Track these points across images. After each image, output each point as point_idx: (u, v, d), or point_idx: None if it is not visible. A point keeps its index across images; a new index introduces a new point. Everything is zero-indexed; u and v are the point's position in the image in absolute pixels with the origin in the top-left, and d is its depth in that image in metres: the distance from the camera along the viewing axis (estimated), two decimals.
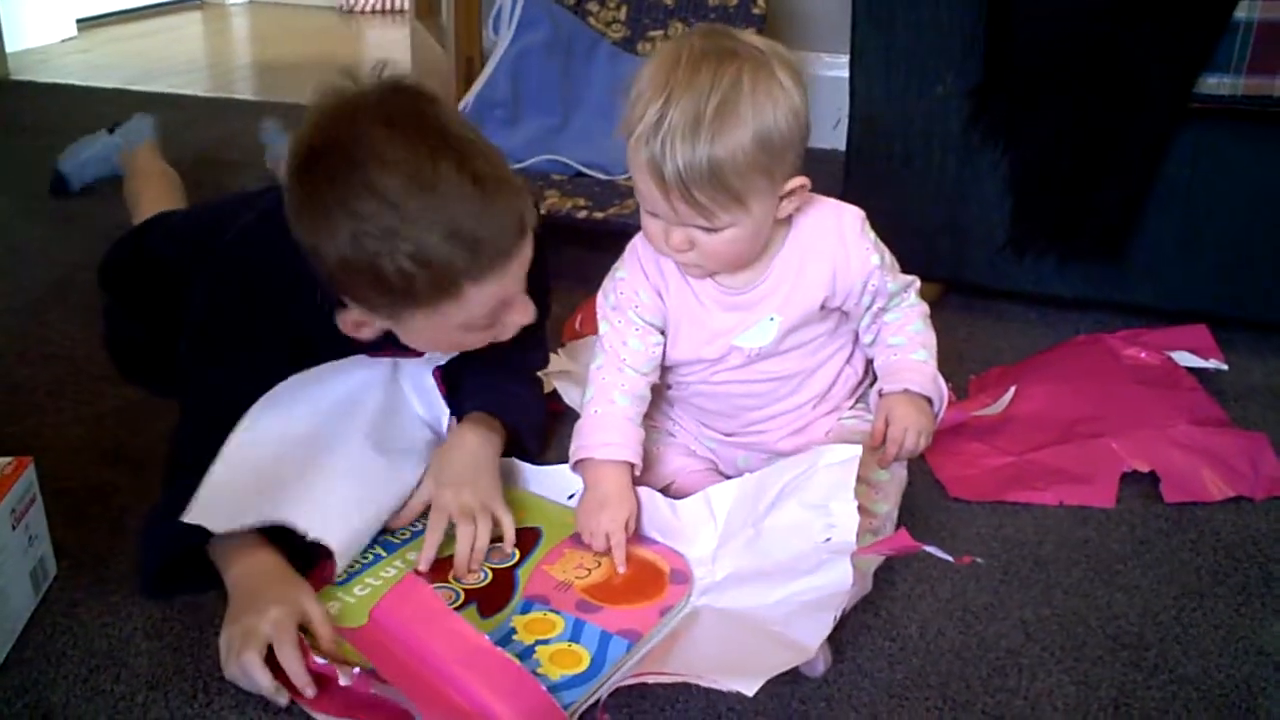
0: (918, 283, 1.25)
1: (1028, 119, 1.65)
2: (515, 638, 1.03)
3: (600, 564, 1.14)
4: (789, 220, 1.16)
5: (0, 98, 3.13)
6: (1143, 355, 1.57)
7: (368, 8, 4.81)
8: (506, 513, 1.17)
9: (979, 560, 1.17)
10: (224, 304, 1.18)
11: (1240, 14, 1.50)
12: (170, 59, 3.75)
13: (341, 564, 1.10)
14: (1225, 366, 1.57)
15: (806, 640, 0.97)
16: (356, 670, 0.94)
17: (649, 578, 1.12)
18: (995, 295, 1.83)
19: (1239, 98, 1.55)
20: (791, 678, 0.98)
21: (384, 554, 1.15)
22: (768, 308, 1.17)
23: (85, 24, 4.05)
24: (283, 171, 1.86)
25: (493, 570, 1.13)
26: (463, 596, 1.09)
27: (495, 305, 1.09)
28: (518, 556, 1.15)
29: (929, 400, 1.21)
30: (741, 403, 1.25)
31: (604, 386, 1.21)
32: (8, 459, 1.09)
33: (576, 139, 2.18)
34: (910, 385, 1.20)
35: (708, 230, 1.08)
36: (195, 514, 1.03)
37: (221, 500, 1.06)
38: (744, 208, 1.06)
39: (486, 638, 0.97)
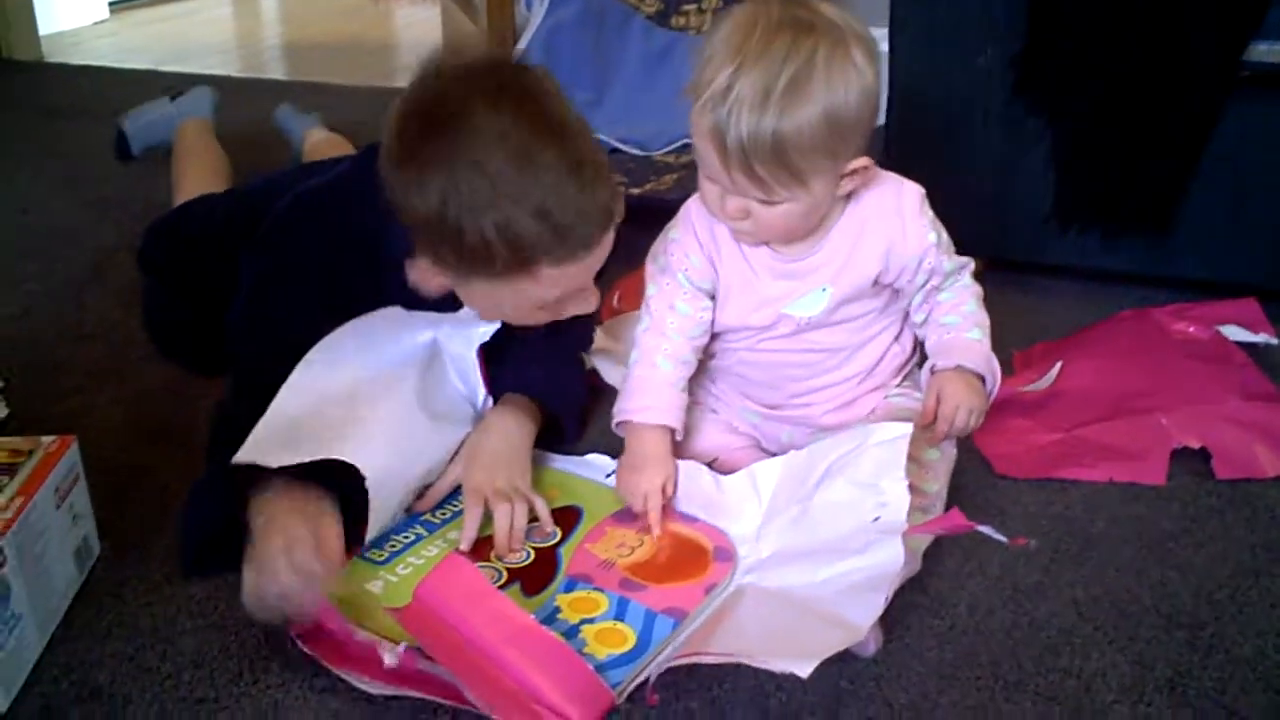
0: (972, 264, 1.23)
1: (1073, 89, 1.62)
2: (560, 616, 1.02)
3: (643, 542, 1.13)
4: (850, 195, 1.14)
5: (33, 80, 3.15)
6: (1191, 329, 1.54)
7: None
8: (538, 496, 1.17)
9: (1033, 542, 1.15)
10: (276, 275, 1.17)
11: None
12: (201, 40, 3.75)
13: (375, 510, 1.09)
14: (1275, 340, 1.54)
15: (858, 620, 0.96)
16: (402, 647, 0.93)
17: (693, 555, 1.11)
18: (1039, 270, 1.81)
19: None
20: (841, 657, 0.97)
21: (425, 533, 1.15)
22: (821, 278, 1.15)
23: (117, 6, 4.07)
24: (307, 153, 1.84)
25: (535, 549, 1.12)
26: (505, 575, 1.08)
27: (565, 291, 1.09)
28: (560, 535, 1.14)
29: (981, 379, 1.19)
30: (787, 373, 1.23)
31: (648, 350, 1.21)
32: (51, 438, 1.09)
33: (611, 115, 2.16)
34: (964, 362, 1.17)
35: (764, 202, 1.06)
36: (246, 453, 1.03)
37: (272, 440, 1.05)
38: (803, 185, 1.05)
39: (532, 617, 0.96)
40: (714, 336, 1.24)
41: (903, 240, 1.15)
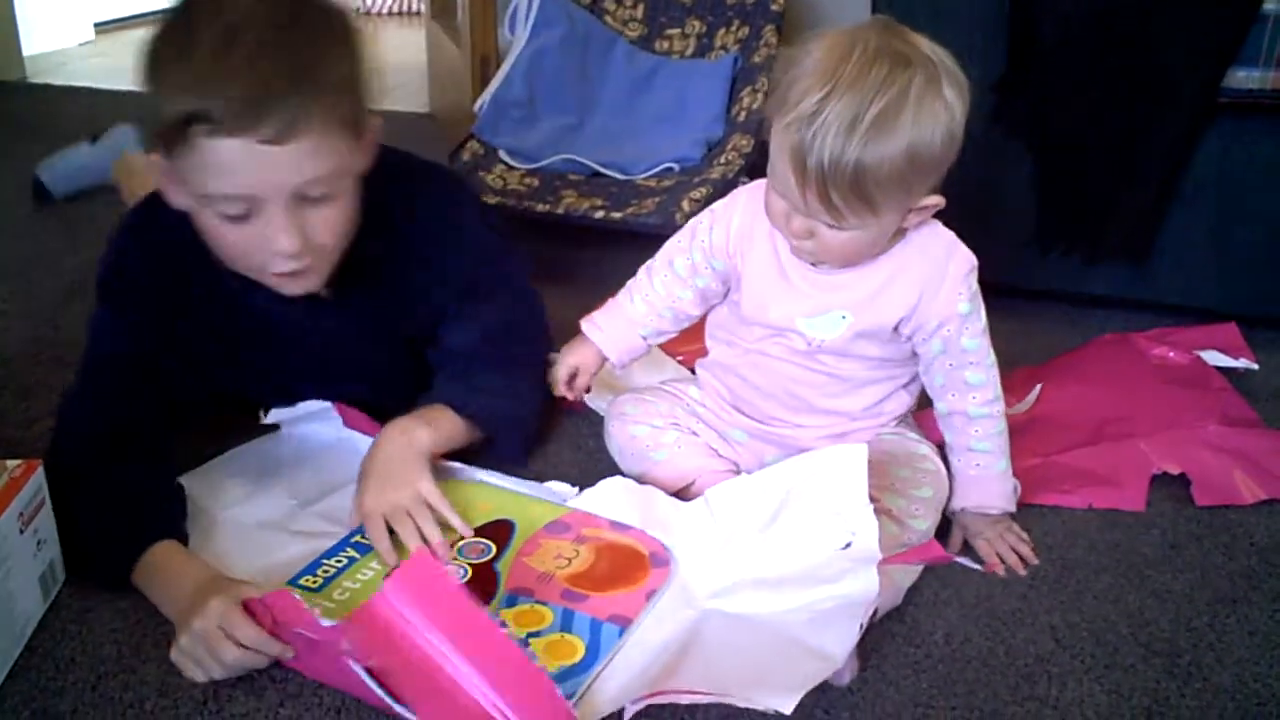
0: (998, 381, 1.19)
1: (1053, 114, 1.63)
2: (507, 632, 1.00)
3: (579, 552, 1.12)
4: (904, 232, 1.13)
5: (17, 101, 3.14)
6: (1171, 355, 1.54)
7: (384, 9, 4.81)
8: (442, 500, 1.14)
9: (1000, 573, 1.13)
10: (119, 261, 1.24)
11: (1270, 6, 1.47)
12: None
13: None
14: (1255, 366, 1.54)
15: (833, 649, 0.95)
16: (336, 623, 0.89)
17: (630, 563, 1.11)
18: (1020, 294, 1.80)
19: (1268, 91, 1.52)
20: (816, 685, 0.95)
21: (358, 555, 1.12)
22: (843, 301, 1.14)
23: (103, 27, 4.06)
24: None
25: (471, 566, 1.11)
26: None
27: (245, 192, 1.04)
28: (494, 550, 1.13)
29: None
30: (791, 388, 1.22)
31: (635, 285, 1.31)
32: (17, 462, 1.07)
33: (593, 138, 2.16)
34: (992, 510, 1.19)
35: (831, 226, 1.06)
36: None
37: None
38: (874, 215, 1.04)
39: (501, 629, 0.91)
40: (732, 325, 1.25)
41: (934, 295, 1.13)
